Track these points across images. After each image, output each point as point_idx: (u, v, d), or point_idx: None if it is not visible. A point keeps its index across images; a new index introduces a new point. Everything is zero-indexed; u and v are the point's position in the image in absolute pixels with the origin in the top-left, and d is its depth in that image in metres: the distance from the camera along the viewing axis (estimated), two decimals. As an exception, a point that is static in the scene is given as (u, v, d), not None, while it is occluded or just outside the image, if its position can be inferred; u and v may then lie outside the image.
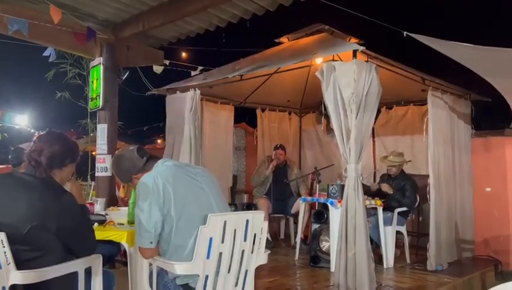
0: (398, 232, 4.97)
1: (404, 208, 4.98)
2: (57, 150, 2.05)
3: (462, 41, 3.71)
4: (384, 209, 4.78)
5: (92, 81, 5.03)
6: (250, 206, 5.62)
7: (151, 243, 2.13)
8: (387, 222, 4.81)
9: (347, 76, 3.84)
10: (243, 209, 5.39)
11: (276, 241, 5.83)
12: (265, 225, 2.30)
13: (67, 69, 6.01)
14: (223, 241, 2.11)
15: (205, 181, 2.28)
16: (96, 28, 4.62)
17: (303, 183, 6.11)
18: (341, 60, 4.27)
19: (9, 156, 3.28)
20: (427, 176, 4.86)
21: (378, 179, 5.75)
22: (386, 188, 5.09)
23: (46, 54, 4.96)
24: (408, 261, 4.96)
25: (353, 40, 4.98)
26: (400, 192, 5.04)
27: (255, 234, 2.23)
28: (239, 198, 6.97)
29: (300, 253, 5.03)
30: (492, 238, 5.31)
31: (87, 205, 3.01)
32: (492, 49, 3.71)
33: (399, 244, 5.15)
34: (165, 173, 2.19)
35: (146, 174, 2.23)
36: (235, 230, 2.14)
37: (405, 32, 3.66)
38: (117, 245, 3.07)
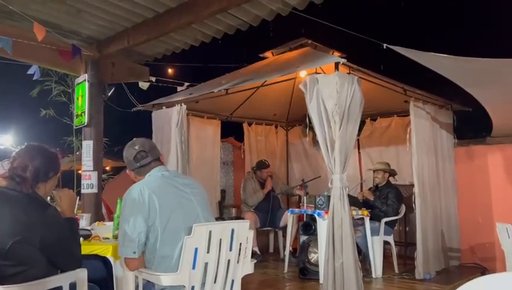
0: (385, 242, 5.00)
1: (391, 218, 5.03)
2: (40, 164, 2.04)
3: (446, 53, 3.80)
4: (371, 219, 4.81)
5: (77, 98, 5.03)
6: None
7: (135, 253, 2.13)
8: (375, 232, 4.84)
9: (330, 88, 3.91)
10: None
11: (266, 255, 5.80)
12: (251, 234, 2.31)
13: (52, 87, 6.00)
14: (208, 251, 2.11)
15: (193, 193, 2.30)
16: (80, 45, 4.63)
17: (293, 189, 6.23)
18: (324, 73, 4.35)
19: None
20: (412, 186, 4.93)
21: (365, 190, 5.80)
22: (367, 194, 5.21)
23: (30, 72, 4.95)
24: (396, 270, 4.97)
25: (336, 53, 5.08)
26: (384, 200, 5.10)
27: (240, 244, 2.24)
28: (227, 212, 6.95)
29: (289, 266, 5.02)
30: (478, 246, 5.37)
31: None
32: (470, 60, 3.80)
33: (387, 254, 5.17)
34: (151, 184, 2.21)
35: (133, 185, 2.24)
36: (220, 240, 2.15)
37: (385, 44, 3.75)
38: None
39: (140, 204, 2.11)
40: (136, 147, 2.33)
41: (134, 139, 2.43)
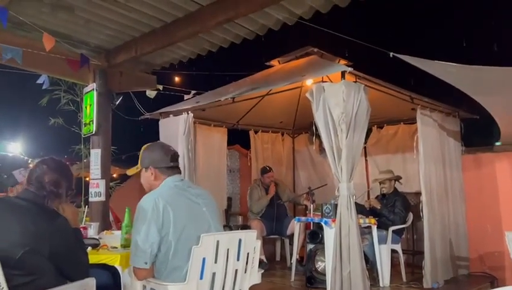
0: (393, 251, 4.97)
1: (398, 226, 5.00)
2: (68, 183, 2.12)
3: (451, 61, 3.80)
4: (378, 228, 4.79)
5: (86, 107, 5.08)
6: (244, 228, 5.62)
7: (146, 263, 2.14)
8: (382, 241, 4.82)
9: (336, 96, 3.92)
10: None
11: (272, 264, 5.79)
12: (258, 244, 2.31)
13: (60, 96, 6.06)
14: (216, 261, 2.12)
15: (205, 203, 2.32)
16: (89, 55, 4.69)
17: (299, 197, 6.22)
18: (330, 81, 4.37)
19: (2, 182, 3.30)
20: (420, 194, 4.90)
21: (372, 198, 5.78)
22: (373, 202, 5.17)
23: (39, 81, 5.01)
24: (404, 279, 4.94)
25: (342, 61, 5.10)
26: (391, 209, 5.08)
27: (248, 254, 2.25)
28: (233, 220, 6.95)
29: (296, 274, 5.00)
30: (487, 255, 5.31)
31: (81, 228, 3.00)
32: (477, 68, 3.80)
33: (394, 263, 5.14)
34: (166, 195, 2.22)
35: (148, 195, 2.26)
36: (228, 250, 2.16)
37: (391, 53, 3.76)
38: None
39: (155, 215, 2.12)
40: (171, 148, 2.41)
41: (162, 142, 2.51)
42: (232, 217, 6.95)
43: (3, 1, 3.52)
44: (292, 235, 5.49)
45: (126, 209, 2.92)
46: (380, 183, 5.34)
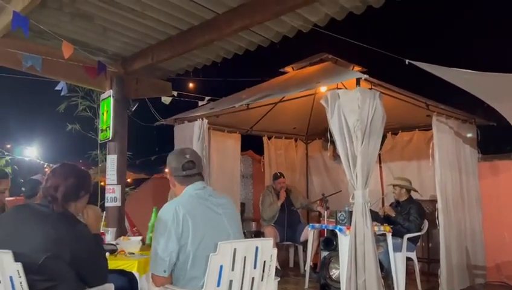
0: (408, 259, 4.92)
1: (413, 234, 4.95)
2: (71, 184, 2.10)
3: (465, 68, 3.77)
4: (393, 235, 4.75)
5: (102, 113, 5.15)
6: (258, 234, 5.62)
7: (165, 271, 2.15)
8: (397, 248, 4.77)
9: (351, 103, 3.92)
10: (251, 237, 5.38)
11: (286, 270, 5.78)
12: (275, 252, 2.32)
13: (78, 102, 6.17)
14: (233, 269, 2.13)
15: (226, 213, 2.31)
16: (106, 62, 4.76)
17: (312, 204, 6.21)
18: (345, 88, 4.36)
19: (22, 188, 3.35)
20: (435, 201, 4.85)
21: (386, 205, 5.73)
22: (388, 210, 5.12)
23: (58, 88, 5.11)
24: (419, 288, 4.88)
25: (356, 68, 5.09)
26: (406, 216, 5.03)
27: (264, 262, 2.25)
28: (247, 226, 6.96)
29: (310, 281, 4.98)
30: (504, 264, 5.23)
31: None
32: (493, 75, 3.77)
33: (409, 271, 5.08)
34: (186, 204, 2.23)
35: (168, 203, 2.28)
36: (244, 257, 2.16)
37: (407, 60, 3.74)
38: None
39: (175, 223, 2.14)
40: (187, 156, 2.36)
41: (184, 148, 2.49)
42: (245, 223, 6.96)
43: (24, 10, 3.60)
44: (306, 241, 5.48)
45: (153, 209, 2.98)
46: (394, 186, 5.30)
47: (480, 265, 5.28)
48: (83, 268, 2.01)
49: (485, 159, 5.59)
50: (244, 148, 6.90)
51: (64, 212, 2.06)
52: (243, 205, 7.03)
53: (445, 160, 4.88)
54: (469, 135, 5.45)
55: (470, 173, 5.37)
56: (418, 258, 5.11)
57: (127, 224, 5.29)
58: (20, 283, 1.84)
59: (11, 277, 1.85)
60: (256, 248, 2.22)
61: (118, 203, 4.87)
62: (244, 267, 2.16)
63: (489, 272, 5.32)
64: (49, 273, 1.91)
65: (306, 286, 4.94)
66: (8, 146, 9.01)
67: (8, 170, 7.47)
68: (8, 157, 8.33)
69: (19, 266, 1.83)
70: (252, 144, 7.78)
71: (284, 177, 6.11)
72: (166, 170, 2.46)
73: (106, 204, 4.96)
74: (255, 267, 2.21)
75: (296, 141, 7.40)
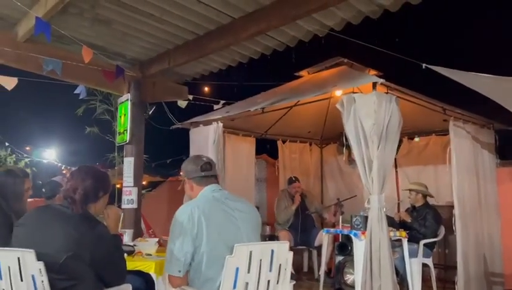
0: (424, 265, 4.87)
1: (429, 240, 4.90)
2: (90, 186, 2.15)
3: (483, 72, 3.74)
4: (409, 241, 4.70)
5: (120, 117, 5.23)
6: (272, 238, 5.62)
7: (180, 271, 2.18)
8: (413, 254, 4.72)
9: (367, 107, 3.90)
10: (265, 241, 5.39)
11: (300, 274, 5.76)
12: (290, 255, 2.32)
13: (96, 106, 6.28)
14: (249, 272, 2.14)
15: (241, 217, 2.33)
16: (124, 66, 4.84)
17: (324, 210, 6.17)
18: (361, 92, 4.34)
19: (43, 189, 3.42)
20: (451, 207, 4.79)
21: (402, 211, 5.68)
22: (403, 215, 5.08)
23: (77, 91, 5.21)
24: (436, 294, 4.83)
25: (372, 72, 5.07)
26: (422, 222, 4.98)
27: (280, 265, 2.26)
28: (262, 230, 6.96)
29: (324, 286, 4.95)
30: (523, 272, 5.13)
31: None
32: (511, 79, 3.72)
33: (425, 278, 5.02)
34: (202, 206, 2.26)
35: (184, 204, 2.32)
36: (260, 260, 2.18)
37: (424, 64, 3.72)
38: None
39: (190, 224, 2.17)
40: (204, 159, 2.47)
41: (198, 154, 2.59)
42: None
43: (46, 16, 3.69)
44: (320, 246, 5.45)
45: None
46: (410, 191, 5.26)
47: (498, 273, 5.18)
48: (101, 268, 2.05)
49: (503, 165, 5.49)
50: (258, 151, 6.92)
51: (84, 213, 2.11)
52: (257, 208, 7.01)
53: (463, 165, 4.81)
54: (487, 140, 5.37)
55: (488, 179, 5.29)
56: (434, 264, 5.05)
57: (143, 226, 5.35)
58: (42, 281, 1.89)
59: (33, 276, 1.90)
60: (272, 251, 2.23)
61: (135, 205, 4.93)
62: (260, 270, 2.18)
63: (507, 280, 5.21)
64: (70, 272, 1.96)
65: (320, 291, 4.92)
66: (28, 148, 9.20)
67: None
68: (27, 160, 8.51)
69: (41, 265, 1.88)
70: (266, 148, 7.80)
71: (299, 181, 6.11)
72: (182, 173, 2.51)
73: (123, 206, 5.03)
74: (270, 270, 2.22)
75: (310, 145, 7.39)
